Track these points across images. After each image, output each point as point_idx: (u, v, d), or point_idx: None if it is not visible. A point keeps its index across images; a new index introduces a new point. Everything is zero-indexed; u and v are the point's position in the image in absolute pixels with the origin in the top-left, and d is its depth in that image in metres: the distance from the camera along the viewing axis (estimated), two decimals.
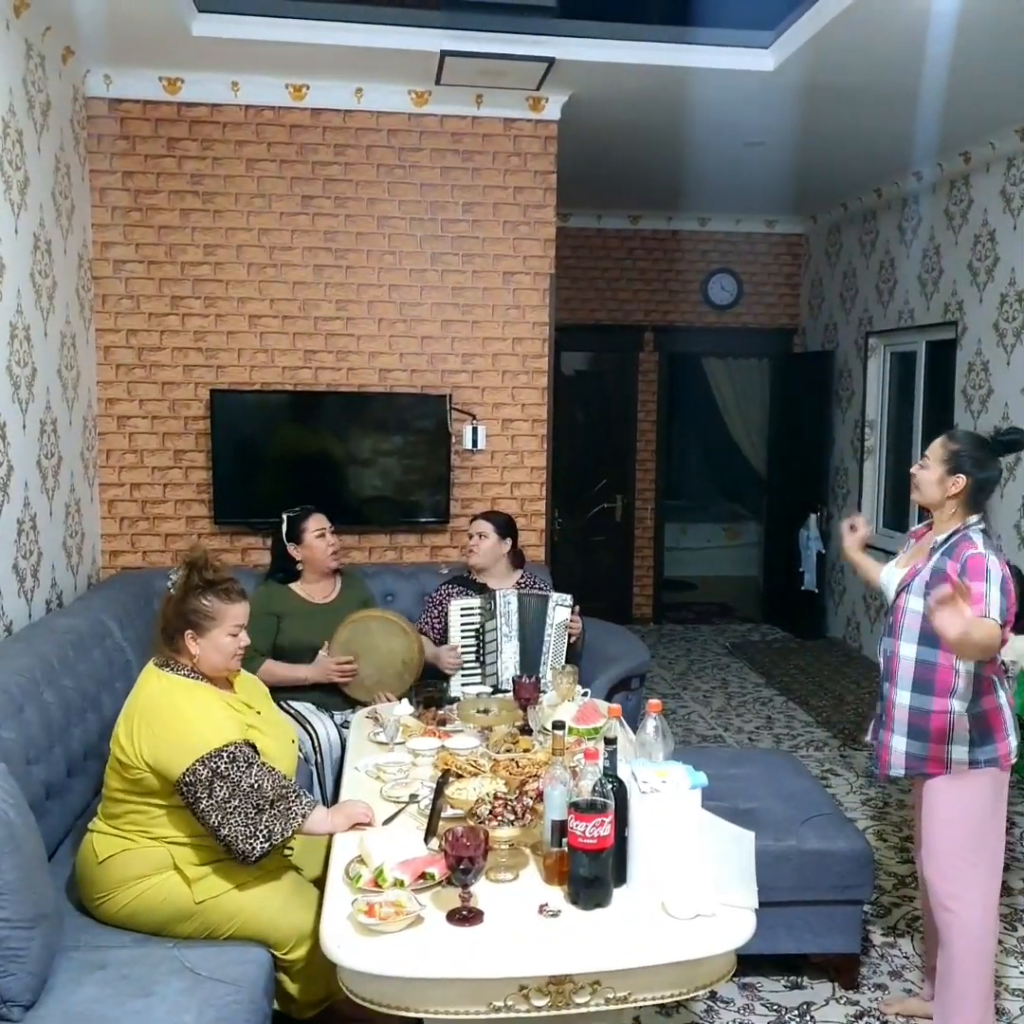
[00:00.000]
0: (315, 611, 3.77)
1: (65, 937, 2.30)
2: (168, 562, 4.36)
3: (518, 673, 3.57)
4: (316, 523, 3.82)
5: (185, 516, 4.60)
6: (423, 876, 2.13)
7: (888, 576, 2.78)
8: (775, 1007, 2.94)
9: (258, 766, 2.36)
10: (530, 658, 3.67)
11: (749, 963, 2.96)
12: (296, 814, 2.35)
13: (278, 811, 2.33)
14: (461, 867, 2.00)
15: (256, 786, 2.32)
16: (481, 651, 3.71)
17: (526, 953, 1.95)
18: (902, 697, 2.63)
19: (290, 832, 2.34)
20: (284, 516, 3.87)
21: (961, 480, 2.58)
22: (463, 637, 3.73)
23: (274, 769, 2.41)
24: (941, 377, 5.86)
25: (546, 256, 4.72)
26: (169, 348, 4.52)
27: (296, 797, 2.38)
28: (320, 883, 2.41)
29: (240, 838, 2.28)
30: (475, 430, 4.72)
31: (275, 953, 2.37)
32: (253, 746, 2.42)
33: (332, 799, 3.34)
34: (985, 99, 4.49)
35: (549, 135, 4.63)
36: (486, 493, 4.81)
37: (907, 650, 2.62)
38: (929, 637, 2.52)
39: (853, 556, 2.99)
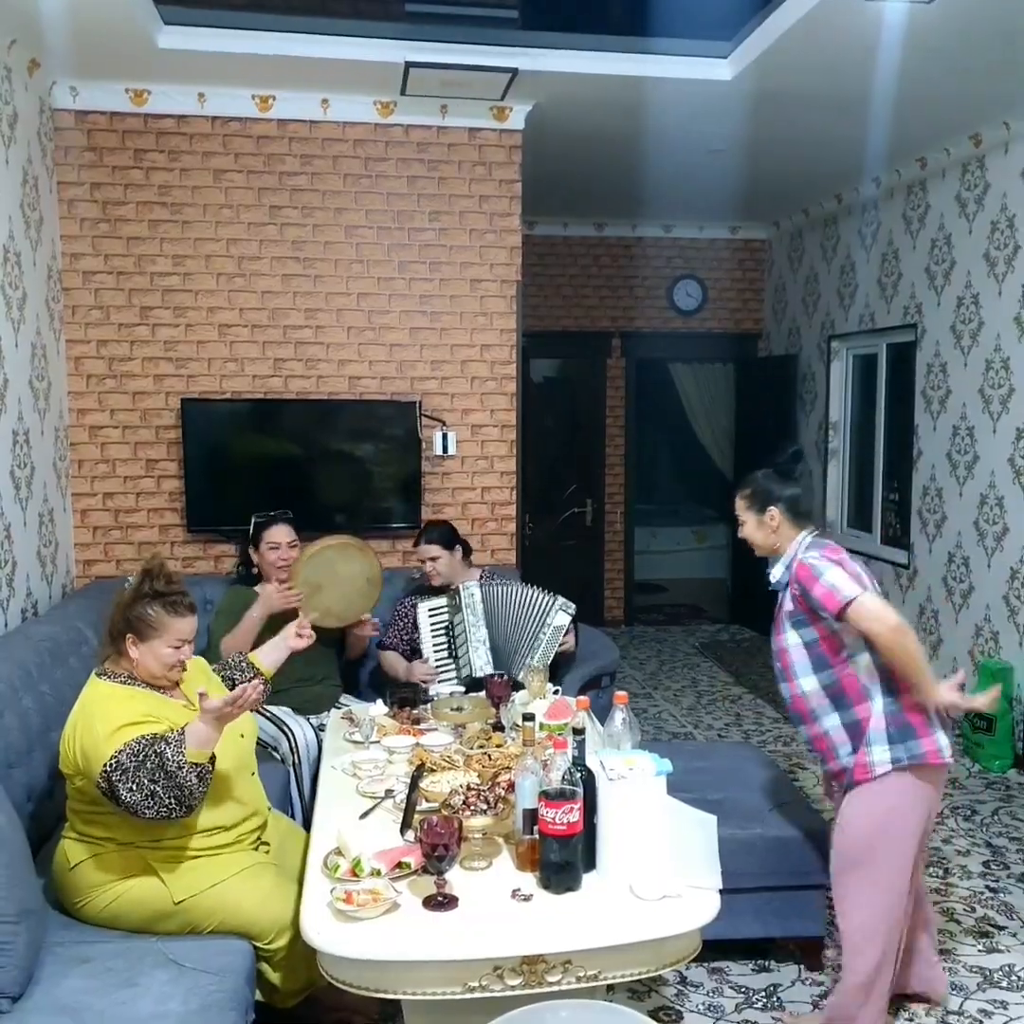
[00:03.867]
0: (286, 610, 3.80)
1: (49, 934, 2.34)
2: None
3: (490, 658, 3.64)
4: (273, 535, 3.82)
5: (158, 525, 4.63)
6: (399, 865, 2.20)
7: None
8: (743, 989, 3.02)
9: (140, 766, 2.31)
10: (506, 648, 3.71)
11: (717, 948, 3.03)
12: (179, 770, 2.29)
13: (166, 791, 2.30)
14: (436, 854, 2.06)
15: (139, 787, 2.30)
16: (452, 645, 3.77)
17: (500, 935, 2.02)
18: (831, 721, 2.60)
19: (191, 784, 2.29)
20: (253, 519, 3.90)
21: (774, 511, 2.65)
22: (434, 636, 3.80)
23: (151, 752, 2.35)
24: (902, 379, 5.99)
25: (512, 264, 4.79)
26: (140, 358, 4.55)
27: (171, 750, 2.31)
28: (299, 879, 2.46)
29: (158, 818, 2.31)
30: (445, 436, 4.79)
31: (257, 944, 2.42)
32: (159, 736, 2.38)
33: (310, 798, 3.38)
34: (939, 106, 4.62)
35: (514, 144, 4.71)
36: (457, 498, 4.87)
37: (808, 684, 2.61)
38: (819, 660, 2.58)
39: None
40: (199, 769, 2.31)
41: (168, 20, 3.81)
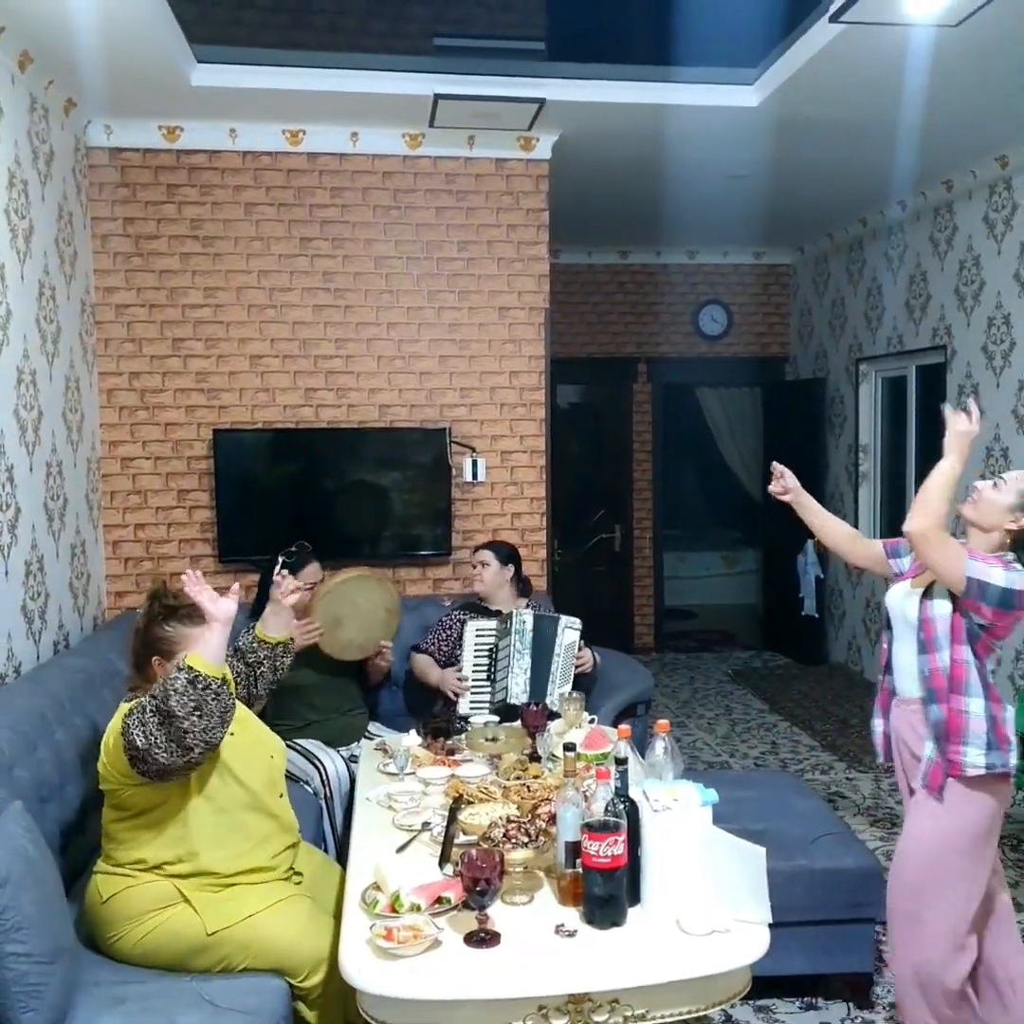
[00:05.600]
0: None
1: (83, 973, 2.30)
2: None
3: (528, 688, 3.65)
4: (311, 575, 3.76)
5: (189, 555, 4.64)
6: (439, 900, 2.15)
7: (902, 595, 2.66)
8: None
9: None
10: (540, 678, 3.72)
11: (763, 985, 2.94)
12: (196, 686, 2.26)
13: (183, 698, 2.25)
14: (478, 889, 2.02)
15: (155, 711, 2.27)
16: (493, 668, 3.77)
17: (544, 972, 1.97)
18: (974, 705, 2.50)
19: (209, 698, 2.26)
20: (280, 558, 3.84)
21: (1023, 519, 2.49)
22: (476, 656, 3.81)
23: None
24: (933, 400, 5.93)
25: (540, 291, 4.80)
26: (171, 389, 4.58)
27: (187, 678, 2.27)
28: (333, 915, 2.43)
29: (180, 749, 2.26)
30: (475, 463, 4.78)
31: (291, 981, 2.37)
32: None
33: (343, 833, 3.35)
34: (964, 129, 4.61)
35: (540, 173, 4.74)
36: (487, 525, 4.86)
37: (941, 660, 2.52)
38: (958, 633, 2.49)
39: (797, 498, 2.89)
40: (204, 680, 2.25)
41: (201, 59, 3.87)
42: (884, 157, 5.00)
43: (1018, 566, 2.49)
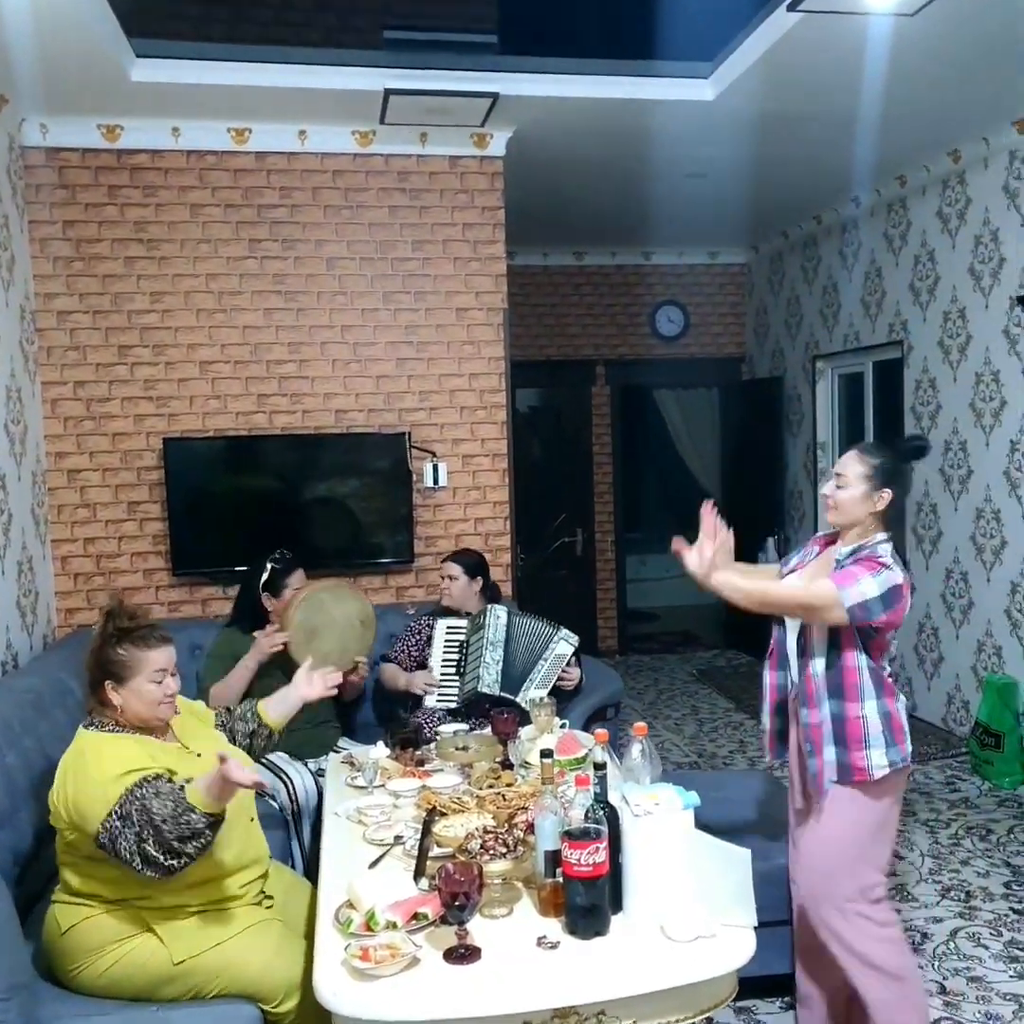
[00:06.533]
0: (277, 655, 3.67)
1: (42, 1008, 2.18)
2: None
3: (499, 679, 3.61)
4: (300, 581, 3.71)
5: (142, 569, 4.49)
6: (416, 916, 2.06)
7: None
8: None
9: (153, 798, 2.18)
10: (515, 673, 3.67)
11: (743, 986, 2.86)
12: (190, 816, 2.15)
13: (174, 826, 2.15)
14: (456, 903, 1.93)
15: (150, 820, 2.15)
16: (464, 662, 3.73)
17: (528, 987, 1.88)
18: (825, 710, 2.51)
19: (201, 826, 2.15)
20: (268, 565, 3.75)
21: (887, 494, 2.49)
22: (446, 651, 3.77)
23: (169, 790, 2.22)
24: (889, 396, 5.96)
25: (498, 291, 4.73)
26: (118, 398, 4.43)
27: (184, 805, 2.17)
28: (306, 935, 2.32)
29: (161, 868, 2.15)
30: (436, 467, 4.69)
31: (264, 1007, 2.26)
32: (161, 776, 2.25)
33: (310, 850, 3.24)
34: (919, 123, 4.62)
35: (495, 171, 4.67)
36: (450, 530, 4.76)
37: (818, 666, 2.51)
38: (835, 641, 2.48)
39: (718, 580, 2.51)
40: (209, 819, 2.15)
41: (140, 53, 3.75)
42: (839, 153, 5.01)
43: (883, 553, 2.46)
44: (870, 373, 6.24)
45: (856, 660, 2.49)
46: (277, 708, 2.79)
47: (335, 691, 3.11)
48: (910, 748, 2.55)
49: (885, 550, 2.48)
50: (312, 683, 2.83)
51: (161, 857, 2.13)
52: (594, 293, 7.67)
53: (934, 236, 5.38)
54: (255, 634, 3.67)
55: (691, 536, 2.60)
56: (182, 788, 2.19)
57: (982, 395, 5.05)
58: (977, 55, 3.79)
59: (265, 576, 3.70)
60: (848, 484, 2.53)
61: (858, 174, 5.45)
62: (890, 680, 2.55)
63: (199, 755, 2.45)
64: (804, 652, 2.56)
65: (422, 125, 4.39)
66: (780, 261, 7.29)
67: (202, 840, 2.15)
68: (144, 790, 2.18)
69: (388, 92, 3.91)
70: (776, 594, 2.56)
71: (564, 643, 3.69)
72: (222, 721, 2.75)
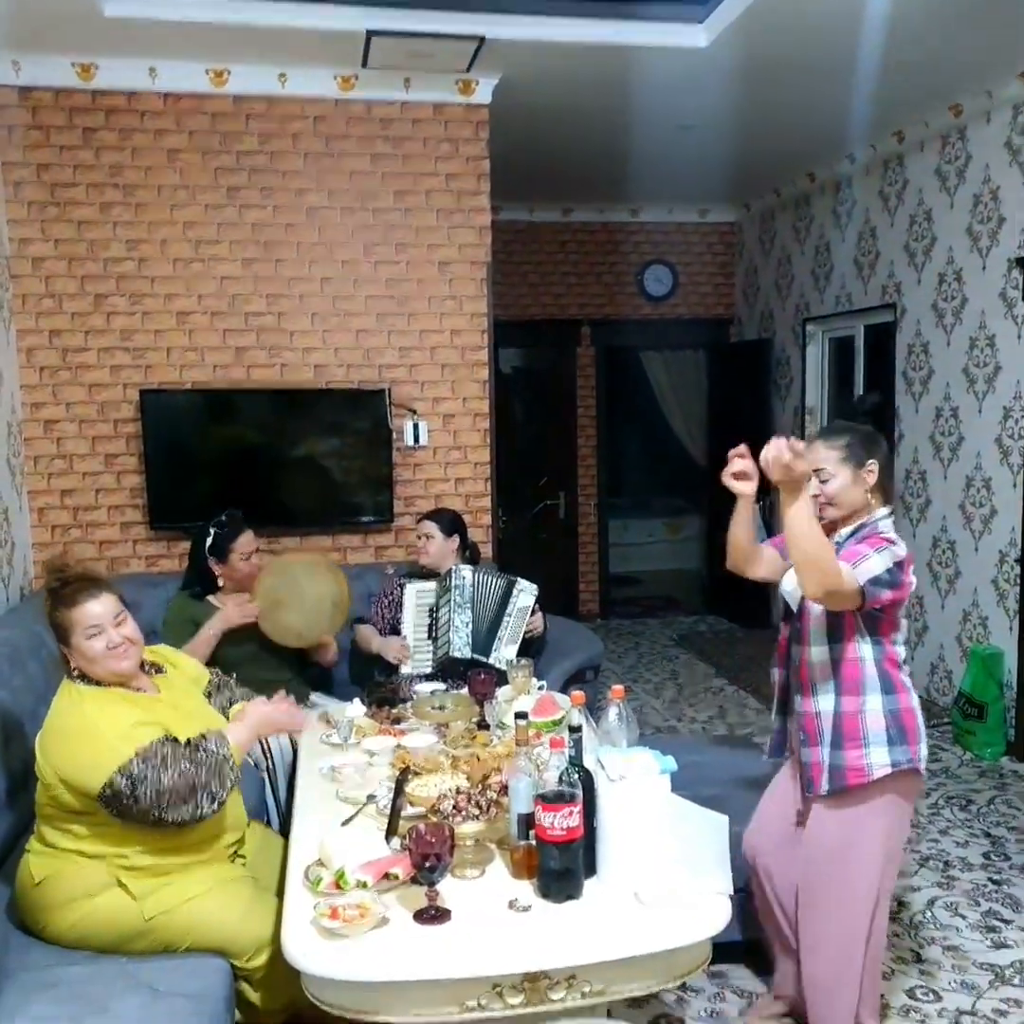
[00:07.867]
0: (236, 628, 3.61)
1: (10, 958, 2.18)
2: (103, 571, 4.17)
3: (470, 641, 3.61)
4: (245, 545, 3.62)
5: (119, 522, 4.41)
6: (387, 876, 2.03)
7: (794, 584, 2.44)
8: (745, 994, 2.89)
9: (175, 758, 2.23)
10: (482, 633, 3.66)
11: (717, 951, 2.86)
12: (224, 761, 2.30)
13: (209, 776, 2.26)
14: (427, 864, 1.89)
15: (182, 774, 2.21)
16: (434, 627, 3.70)
17: (498, 950, 1.86)
18: (820, 702, 2.43)
19: (231, 779, 2.31)
20: (211, 530, 3.65)
21: (873, 464, 2.40)
22: (417, 617, 3.74)
23: (187, 744, 2.30)
24: (880, 361, 5.90)
25: (482, 244, 4.62)
26: (95, 348, 4.33)
27: (215, 748, 2.32)
28: (277, 892, 2.30)
29: (188, 816, 2.22)
30: (416, 426, 4.61)
31: (234, 962, 2.26)
32: (169, 737, 2.29)
33: (286, 806, 3.20)
34: (919, 73, 4.47)
35: (480, 119, 4.54)
36: (430, 490, 4.69)
37: (818, 654, 2.42)
38: (834, 629, 2.39)
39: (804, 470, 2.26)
40: (234, 779, 2.28)
41: None
42: (836, 105, 4.88)
43: (885, 529, 2.38)
44: (861, 336, 6.16)
45: (858, 650, 2.38)
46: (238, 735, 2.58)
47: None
48: (924, 752, 2.41)
49: (887, 526, 2.39)
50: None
51: (191, 807, 2.22)
52: (580, 250, 7.53)
53: (931, 194, 5.28)
54: (222, 600, 3.61)
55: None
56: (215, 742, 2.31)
57: (976, 360, 4.98)
58: (979, 3, 3.67)
59: (209, 540, 3.63)
60: (830, 475, 2.42)
61: (854, 129, 5.31)
62: (903, 674, 2.42)
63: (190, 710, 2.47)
64: (800, 639, 2.48)
65: (405, 70, 4.25)
66: (771, 220, 7.17)
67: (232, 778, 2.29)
68: (166, 748, 2.23)
69: (370, 33, 3.77)
70: (829, 553, 2.27)
71: (525, 594, 3.69)
72: (208, 691, 2.71)
